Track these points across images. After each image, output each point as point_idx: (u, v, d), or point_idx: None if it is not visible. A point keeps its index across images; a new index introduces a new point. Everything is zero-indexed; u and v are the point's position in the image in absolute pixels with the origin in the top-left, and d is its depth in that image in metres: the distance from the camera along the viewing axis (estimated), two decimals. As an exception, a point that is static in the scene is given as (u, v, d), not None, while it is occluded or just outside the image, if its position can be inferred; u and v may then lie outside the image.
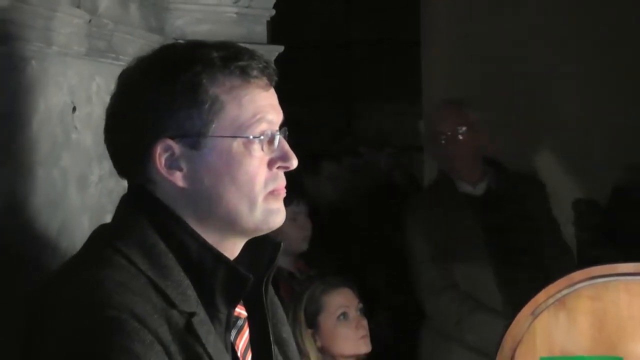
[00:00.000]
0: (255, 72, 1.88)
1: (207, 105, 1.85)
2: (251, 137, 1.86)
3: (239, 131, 1.86)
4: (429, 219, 4.22)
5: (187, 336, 1.75)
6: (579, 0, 5.33)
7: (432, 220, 4.22)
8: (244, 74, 1.88)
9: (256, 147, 1.87)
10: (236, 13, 3.00)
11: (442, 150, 4.33)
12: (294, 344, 2.14)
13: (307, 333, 3.58)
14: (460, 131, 4.27)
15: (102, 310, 1.69)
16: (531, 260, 4.14)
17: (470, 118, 4.35)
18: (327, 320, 3.62)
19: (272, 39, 3.23)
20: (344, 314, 3.64)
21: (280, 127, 1.93)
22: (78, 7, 2.31)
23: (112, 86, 2.03)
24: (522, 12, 5.35)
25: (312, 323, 3.60)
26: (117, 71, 2.11)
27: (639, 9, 5.07)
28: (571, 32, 5.25)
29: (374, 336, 3.73)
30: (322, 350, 3.59)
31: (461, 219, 4.21)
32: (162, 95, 1.87)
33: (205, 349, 1.76)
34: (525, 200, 4.35)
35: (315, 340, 3.59)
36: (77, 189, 2.35)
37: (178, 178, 1.86)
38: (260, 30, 3.09)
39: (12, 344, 1.88)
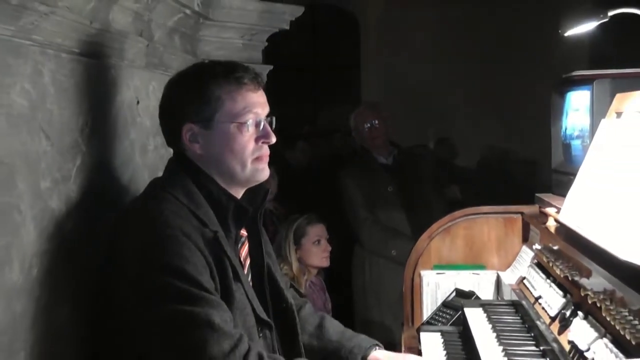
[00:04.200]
0: (246, 80, 1.91)
1: (212, 101, 1.88)
2: (242, 122, 1.89)
3: (234, 118, 1.89)
4: (360, 180, 4.19)
5: (215, 245, 1.80)
6: (460, 36, 5.37)
7: (362, 181, 4.18)
8: (238, 81, 1.90)
9: (245, 129, 1.90)
10: (242, 44, 2.97)
11: (364, 135, 4.31)
12: (274, 256, 2.17)
13: (292, 248, 3.63)
14: (375, 123, 4.28)
15: (163, 229, 1.74)
16: (424, 203, 4.17)
17: (382, 114, 4.34)
18: (307, 242, 3.66)
19: (266, 61, 3.23)
20: (318, 241, 3.68)
21: (268, 116, 1.95)
22: (140, 35, 2.29)
23: (162, 88, 2.04)
24: (423, 46, 5.40)
25: (297, 242, 3.64)
26: (166, 78, 2.12)
27: (499, 37, 5.14)
28: (452, 58, 5.30)
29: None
30: (300, 260, 3.64)
31: (380, 179, 4.19)
32: (186, 96, 1.91)
33: (226, 253, 1.81)
34: (415, 167, 4.38)
35: (296, 253, 3.64)
36: (140, 154, 2.35)
37: (197, 148, 1.90)
38: (258, 55, 3.06)
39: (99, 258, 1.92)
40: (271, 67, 3.10)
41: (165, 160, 2.06)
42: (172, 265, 1.70)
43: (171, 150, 2.01)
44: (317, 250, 3.69)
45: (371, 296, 4.18)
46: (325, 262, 3.73)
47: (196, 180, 1.89)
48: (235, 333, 1.72)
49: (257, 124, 1.92)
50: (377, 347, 2.11)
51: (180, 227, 1.75)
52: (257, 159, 1.93)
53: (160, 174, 2.07)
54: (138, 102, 2.35)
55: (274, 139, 1.95)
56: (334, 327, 2.19)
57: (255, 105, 1.92)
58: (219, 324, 1.68)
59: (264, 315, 1.91)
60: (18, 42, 1.64)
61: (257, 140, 1.92)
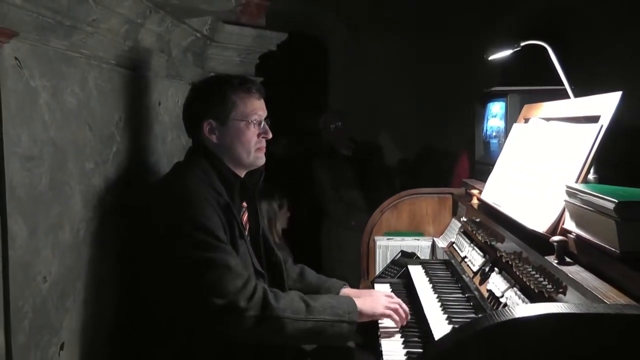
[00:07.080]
0: (254, 90, 1.92)
1: (229, 104, 1.89)
2: (249, 121, 1.90)
3: (244, 118, 1.90)
4: (327, 168, 4.17)
5: (227, 210, 1.81)
6: (404, 58, 5.37)
7: (329, 168, 4.17)
8: (249, 91, 1.91)
9: (252, 126, 1.91)
10: (240, 61, 2.95)
11: (330, 133, 4.30)
12: (266, 223, 2.19)
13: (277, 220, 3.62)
14: (339, 124, 4.30)
15: (190, 195, 1.75)
16: (376, 185, 4.17)
17: (344, 117, 4.34)
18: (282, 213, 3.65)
19: (256, 74, 3.22)
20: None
21: (265, 118, 1.96)
22: (162, 52, 2.28)
23: (179, 94, 2.02)
24: (376, 65, 5.40)
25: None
26: (181, 86, 2.11)
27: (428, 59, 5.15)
28: (398, 75, 5.29)
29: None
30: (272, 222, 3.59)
31: (343, 167, 4.18)
32: (209, 99, 1.90)
33: (235, 217, 1.82)
34: (369, 158, 4.36)
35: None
36: (161, 144, 2.34)
37: (214, 138, 1.90)
38: (252, 69, 3.04)
39: (131, 223, 1.91)
40: (262, 79, 3.07)
41: (180, 149, 2.04)
42: (198, 221, 1.70)
43: (183, 142, 2.00)
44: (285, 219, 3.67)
45: (335, 257, 4.19)
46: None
47: (211, 163, 1.89)
48: (245, 274, 1.73)
49: (259, 123, 1.94)
50: (345, 286, 2.17)
51: (202, 194, 1.77)
52: (258, 149, 1.95)
53: (175, 160, 2.07)
54: (160, 104, 2.35)
55: (270, 135, 1.97)
56: (312, 274, 2.24)
57: (259, 109, 1.94)
58: (234, 266, 1.70)
59: (259, 267, 1.92)
60: (70, 55, 1.63)
61: (258, 135, 1.94)
